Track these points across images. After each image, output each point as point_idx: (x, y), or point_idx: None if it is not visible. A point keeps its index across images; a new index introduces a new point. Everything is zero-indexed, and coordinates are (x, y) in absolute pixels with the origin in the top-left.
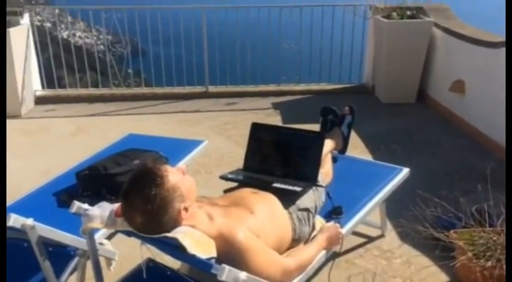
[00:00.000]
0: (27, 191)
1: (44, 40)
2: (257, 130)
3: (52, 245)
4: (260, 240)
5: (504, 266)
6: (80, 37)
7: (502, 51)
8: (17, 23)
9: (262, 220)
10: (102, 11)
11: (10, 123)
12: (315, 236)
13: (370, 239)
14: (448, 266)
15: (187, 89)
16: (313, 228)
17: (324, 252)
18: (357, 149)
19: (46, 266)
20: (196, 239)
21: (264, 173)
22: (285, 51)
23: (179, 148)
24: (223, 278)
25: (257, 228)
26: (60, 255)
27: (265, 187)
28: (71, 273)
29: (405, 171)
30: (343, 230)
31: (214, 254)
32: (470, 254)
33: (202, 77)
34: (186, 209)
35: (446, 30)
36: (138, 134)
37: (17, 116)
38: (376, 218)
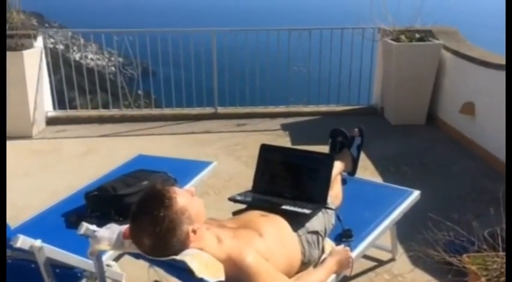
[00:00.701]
0: (36, 211)
1: (56, 62)
2: (266, 152)
3: (59, 266)
4: (269, 263)
5: None
6: (91, 59)
7: None
8: (31, 46)
9: (271, 243)
10: (114, 34)
11: (21, 144)
12: (324, 260)
13: (381, 263)
14: None
15: (196, 110)
16: (323, 251)
17: (333, 276)
18: (367, 170)
19: None
20: (204, 262)
21: (273, 194)
22: (293, 73)
23: (188, 169)
24: None
25: (266, 251)
26: (68, 277)
27: (274, 209)
28: None
29: (416, 193)
30: (354, 254)
31: (222, 278)
32: (483, 279)
33: (211, 98)
34: (194, 232)
35: (456, 53)
36: (148, 155)
37: (28, 137)
38: (387, 241)
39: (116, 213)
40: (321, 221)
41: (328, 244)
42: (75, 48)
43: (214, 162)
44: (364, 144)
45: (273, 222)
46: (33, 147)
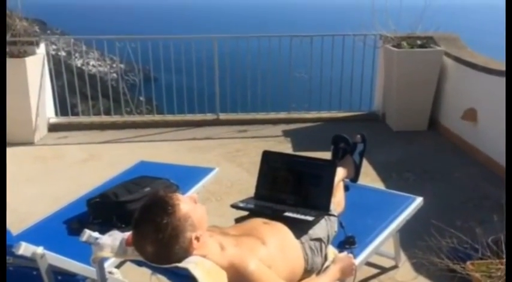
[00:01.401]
0: (38, 218)
1: (58, 68)
2: (268, 158)
3: (62, 273)
4: (272, 271)
5: None
6: (93, 66)
7: None
8: (33, 53)
9: (273, 251)
10: (116, 41)
11: (23, 150)
12: (327, 267)
13: (384, 270)
14: None
15: (198, 117)
16: (326, 258)
17: None
18: (369, 177)
19: None
20: (207, 269)
21: (275, 201)
22: (295, 80)
23: (190, 175)
24: None
25: (269, 259)
26: None
27: (277, 216)
28: None
29: (419, 200)
30: (357, 261)
31: None
32: None
33: (213, 105)
34: (197, 239)
35: (458, 59)
36: (150, 161)
37: (30, 143)
38: (390, 248)
39: (118, 220)
40: (324, 228)
41: (331, 251)
42: (77, 54)
43: (216, 169)
44: (366, 151)
45: (276, 229)
46: (35, 153)
